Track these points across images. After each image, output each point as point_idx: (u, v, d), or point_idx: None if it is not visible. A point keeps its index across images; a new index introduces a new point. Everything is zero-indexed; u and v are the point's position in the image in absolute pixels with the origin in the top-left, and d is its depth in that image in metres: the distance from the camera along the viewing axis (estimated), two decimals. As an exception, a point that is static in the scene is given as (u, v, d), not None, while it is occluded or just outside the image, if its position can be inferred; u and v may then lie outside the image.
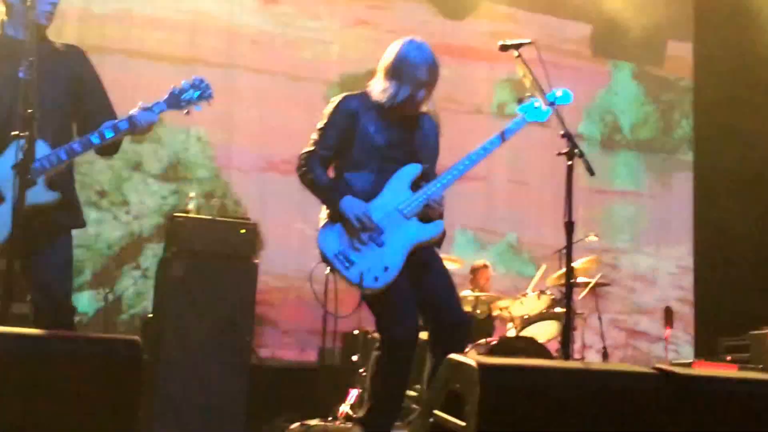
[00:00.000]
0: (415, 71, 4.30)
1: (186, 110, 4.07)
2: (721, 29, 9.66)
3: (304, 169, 4.34)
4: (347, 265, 4.18)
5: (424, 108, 4.46)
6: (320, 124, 4.39)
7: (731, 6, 9.54)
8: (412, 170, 4.32)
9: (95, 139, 3.85)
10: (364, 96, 4.41)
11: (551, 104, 4.30)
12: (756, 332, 8.14)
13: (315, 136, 4.37)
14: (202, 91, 4.08)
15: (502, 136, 4.42)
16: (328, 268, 4.25)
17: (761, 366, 7.69)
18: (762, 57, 9.31)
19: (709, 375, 3.48)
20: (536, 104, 4.46)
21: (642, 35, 9.84)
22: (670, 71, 10.02)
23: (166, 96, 4.02)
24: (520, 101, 4.34)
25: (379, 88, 4.36)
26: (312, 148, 4.35)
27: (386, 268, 4.16)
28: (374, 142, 4.32)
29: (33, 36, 3.68)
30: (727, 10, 9.60)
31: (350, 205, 4.18)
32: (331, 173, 4.43)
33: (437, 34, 8.43)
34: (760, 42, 9.30)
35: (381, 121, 4.35)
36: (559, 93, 4.49)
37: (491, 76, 8.98)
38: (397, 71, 4.32)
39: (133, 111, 3.92)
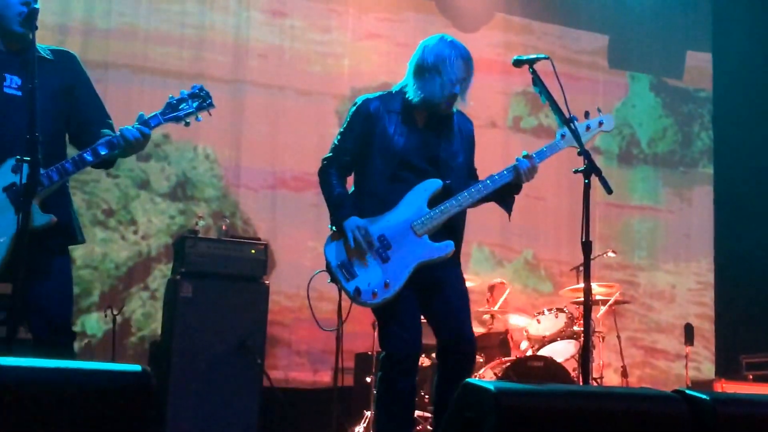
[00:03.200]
0: (449, 67, 4.26)
1: (186, 122, 3.93)
2: (741, 38, 9.64)
3: (321, 178, 4.38)
4: (348, 277, 4.20)
5: (459, 107, 4.45)
6: (341, 129, 4.41)
7: (751, 14, 9.54)
8: (431, 186, 4.29)
9: (89, 157, 3.77)
10: (388, 97, 4.40)
11: (568, 125, 4.26)
12: (778, 350, 8.14)
13: (335, 141, 4.40)
14: (201, 100, 3.94)
15: (531, 161, 4.35)
16: (330, 278, 4.27)
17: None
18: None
19: (732, 398, 3.47)
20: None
21: (660, 45, 9.85)
22: (689, 82, 9.98)
23: (163, 107, 3.89)
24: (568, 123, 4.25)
25: (409, 87, 4.34)
26: (331, 154, 4.38)
27: (387, 284, 4.16)
28: (393, 146, 4.29)
29: (33, 48, 3.64)
30: (747, 19, 9.59)
31: (352, 224, 4.19)
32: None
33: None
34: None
35: (405, 125, 4.32)
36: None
37: (506, 89, 8.99)
38: (429, 68, 4.28)
39: (125, 127, 3.82)
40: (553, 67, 4.27)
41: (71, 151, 3.95)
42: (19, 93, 3.82)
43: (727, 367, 8.96)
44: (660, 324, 9.34)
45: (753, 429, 3.27)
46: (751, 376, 8.23)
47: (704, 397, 3.27)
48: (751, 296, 9.23)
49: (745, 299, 9.30)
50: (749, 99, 9.43)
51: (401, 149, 4.30)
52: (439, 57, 4.29)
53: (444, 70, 4.26)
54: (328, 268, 4.25)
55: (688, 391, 3.37)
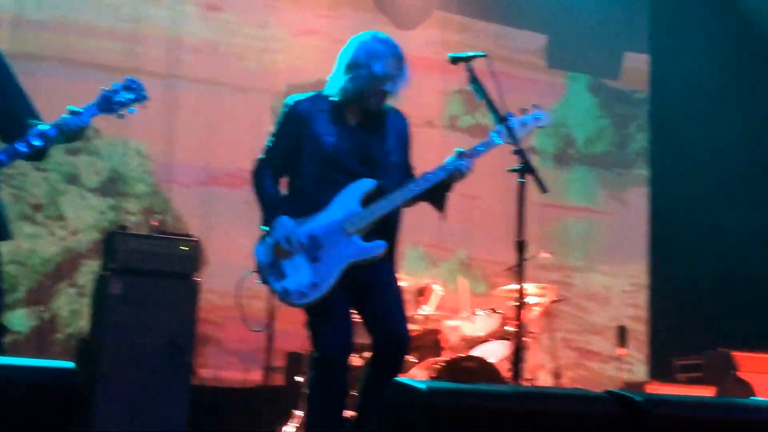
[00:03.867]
0: (379, 62, 4.28)
1: (120, 113, 3.91)
2: (679, 40, 9.77)
3: (254, 179, 4.38)
4: (277, 277, 4.20)
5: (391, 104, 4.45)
6: (273, 131, 4.41)
7: (689, 16, 9.66)
8: (364, 185, 4.30)
9: (22, 148, 3.73)
10: (317, 97, 4.40)
11: (504, 122, 4.29)
12: (710, 352, 8.26)
13: (267, 142, 4.40)
14: (135, 93, 3.93)
15: (470, 154, 4.38)
16: (259, 279, 4.26)
17: (715, 386, 7.80)
18: (721, 68, 9.45)
19: (662, 398, 3.53)
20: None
21: (598, 46, 9.93)
22: (626, 84, 10.09)
23: (97, 99, 3.88)
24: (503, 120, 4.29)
25: (338, 85, 4.35)
26: (263, 156, 4.39)
27: (315, 285, 4.17)
28: (323, 146, 4.29)
29: None
30: (684, 21, 9.72)
31: (280, 225, 4.19)
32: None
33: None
34: (718, 53, 9.45)
35: (335, 124, 4.33)
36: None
37: (443, 87, 9.02)
38: (360, 64, 4.30)
39: (62, 117, 3.80)
40: (490, 65, 4.30)
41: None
42: None
43: (660, 369, 9.08)
44: (594, 325, 9.44)
45: (684, 430, 3.32)
46: (683, 378, 8.37)
47: (636, 398, 3.31)
48: (684, 299, 9.36)
49: (679, 301, 9.43)
50: (686, 101, 9.56)
51: (331, 149, 4.30)
52: (371, 53, 4.30)
53: (375, 67, 4.28)
54: (258, 269, 4.26)
55: (620, 392, 3.41)
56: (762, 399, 6.13)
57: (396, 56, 4.33)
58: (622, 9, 10.01)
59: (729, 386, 7.73)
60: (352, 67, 4.31)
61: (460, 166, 4.31)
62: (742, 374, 7.85)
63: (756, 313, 8.77)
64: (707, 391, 7.69)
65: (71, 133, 3.81)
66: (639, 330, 9.56)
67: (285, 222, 4.20)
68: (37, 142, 3.76)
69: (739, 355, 8.00)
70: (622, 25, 10.07)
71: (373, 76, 4.28)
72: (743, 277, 9.10)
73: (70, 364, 2.67)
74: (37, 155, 3.90)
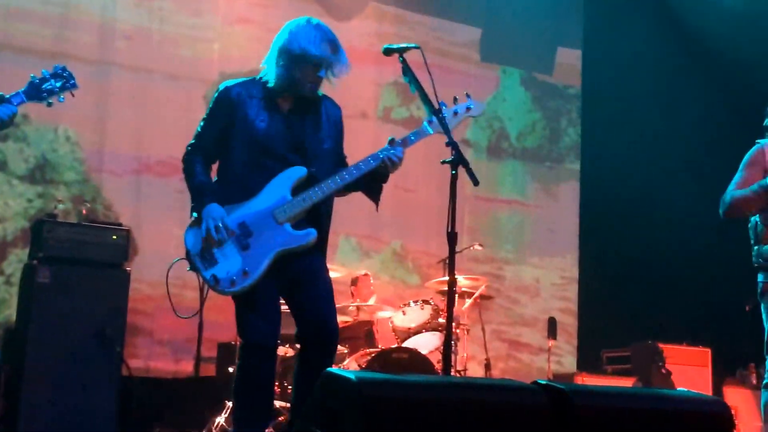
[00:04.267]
0: (313, 48, 4.26)
1: (49, 101, 3.90)
2: (611, 37, 9.88)
3: (184, 165, 4.36)
4: (207, 265, 4.19)
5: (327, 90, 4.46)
6: (204, 116, 4.39)
7: (621, 13, 9.78)
8: (295, 173, 4.28)
9: None
10: (250, 83, 4.38)
11: (437, 114, 4.31)
12: (638, 344, 8.40)
13: (198, 128, 4.38)
14: (65, 81, 3.92)
15: (395, 150, 4.40)
16: (189, 266, 4.25)
17: (641, 377, 7.95)
18: (652, 66, 9.59)
19: (589, 389, 3.58)
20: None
21: (531, 41, 10.02)
22: (559, 79, 10.21)
23: (25, 86, 3.86)
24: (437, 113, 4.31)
25: (272, 70, 4.34)
26: (194, 141, 4.36)
27: (245, 273, 4.16)
28: (255, 132, 4.27)
29: None
30: (616, 17, 9.84)
31: (209, 212, 4.18)
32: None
33: (323, 35, 8.43)
34: (649, 50, 9.58)
35: (267, 111, 4.30)
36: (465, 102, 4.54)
37: (377, 79, 9.04)
38: (294, 49, 4.27)
39: None
40: (424, 57, 4.32)
41: None
42: None
43: (588, 360, 9.21)
44: (524, 317, 9.54)
45: (607, 418, 3.38)
46: (610, 370, 8.50)
47: (562, 388, 3.37)
48: (613, 292, 9.49)
49: (608, 295, 9.56)
50: (617, 97, 9.69)
51: (263, 135, 4.29)
52: (305, 38, 4.30)
53: (309, 52, 4.28)
54: (188, 256, 4.23)
55: (547, 383, 3.46)
56: (683, 389, 6.26)
57: (330, 41, 4.34)
58: (556, 5, 10.12)
59: (654, 377, 7.88)
60: (286, 52, 4.31)
61: (391, 154, 4.33)
62: (667, 365, 8.01)
63: (681, 306, 8.92)
64: (633, 383, 7.85)
65: (9, 120, 3.78)
66: (568, 322, 9.68)
67: (214, 209, 4.19)
68: None
69: (664, 347, 8.16)
70: (556, 21, 10.18)
71: (308, 62, 4.29)
72: (670, 272, 9.26)
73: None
74: None
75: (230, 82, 4.42)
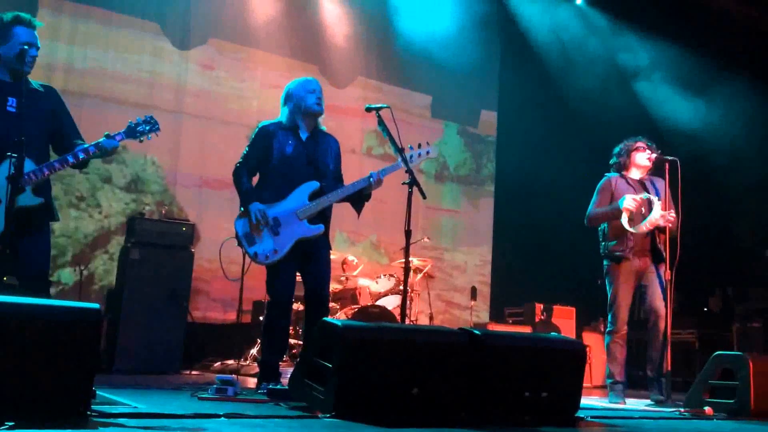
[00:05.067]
0: (305, 87, 4.40)
1: (140, 139, 3.91)
2: (517, 101, 9.93)
3: (234, 176, 4.39)
4: (250, 244, 4.21)
5: (321, 124, 4.50)
6: (249, 144, 4.43)
7: (524, 86, 9.84)
8: (312, 186, 4.34)
9: (71, 158, 3.69)
10: (279, 123, 4.45)
11: (401, 152, 4.33)
12: (528, 304, 8.46)
13: (244, 152, 4.40)
14: (152, 125, 3.91)
15: (378, 175, 4.43)
16: (237, 243, 4.27)
17: (531, 325, 8.00)
18: (544, 121, 9.64)
19: (493, 333, 3.63)
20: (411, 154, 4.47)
21: (464, 104, 10.05)
22: (481, 130, 10.22)
23: (125, 128, 3.86)
24: (401, 151, 4.33)
25: (284, 112, 4.42)
26: (241, 160, 4.41)
27: (276, 251, 4.20)
28: (284, 153, 4.32)
29: (25, 79, 3.58)
30: (521, 88, 9.89)
31: (255, 208, 4.21)
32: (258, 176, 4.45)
33: (327, 98, 8.34)
34: (544, 112, 9.64)
35: (290, 138, 4.36)
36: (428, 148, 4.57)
37: (362, 127, 9.03)
38: (290, 94, 4.42)
39: (100, 139, 3.76)
40: (392, 113, 4.34)
41: (52, 156, 3.85)
42: (14, 110, 3.69)
43: (496, 315, 9.25)
44: (456, 286, 9.56)
45: (505, 351, 3.42)
46: (510, 321, 8.54)
47: (477, 332, 3.40)
48: (513, 271, 9.54)
49: (510, 272, 9.61)
50: (520, 142, 9.73)
51: (290, 157, 4.33)
52: (292, 86, 4.46)
53: (305, 88, 4.37)
54: (237, 237, 4.27)
55: (467, 329, 3.50)
56: (555, 333, 6.31)
57: (307, 80, 4.48)
58: (480, 82, 10.15)
59: (541, 328, 7.93)
60: (289, 95, 4.39)
61: (374, 179, 4.40)
62: (553, 320, 8.05)
63: (558, 279, 8.98)
64: (525, 329, 7.90)
65: (105, 152, 3.78)
66: (484, 290, 9.71)
67: (258, 205, 4.22)
68: (81, 156, 3.73)
69: (548, 306, 8.21)
70: (480, 91, 10.21)
71: (306, 95, 4.38)
72: (552, 257, 9.32)
73: (96, 305, 2.67)
74: (80, 165, 3.85)
75: (266, 122, 4.47)
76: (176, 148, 7.88)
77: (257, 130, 4.44)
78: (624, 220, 5.14)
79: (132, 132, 3.87)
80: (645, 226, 5.13)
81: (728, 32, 9.57)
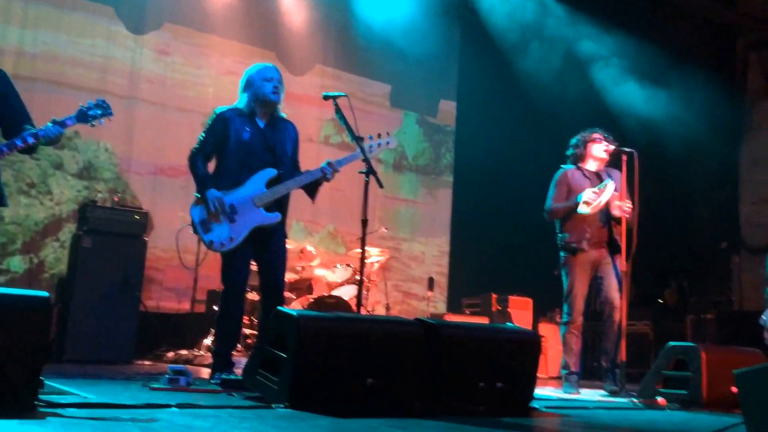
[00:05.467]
0: (262, 75, 4.34)
1: (92, 124, 3.82)
2: (476, 92, 9.98)
3: (190, 162, 4.33)
4: (205, 231, 4.17)
5: (281, 110, 4.46)
6: (204, 130, 4.38)
7: (482, 77, 9.89)
8: (269, 173, 4.30)
9: (19, 142, 3.61)
10: (235, 108, 4.40)
11: (358, 141, 4.32)
12: (485, 295, 8.53)
13: (200, 138, 4.35)
14: (104, 110, 3.81)
15: (335, 165, 4.41)
16: (192, 230, 4.23)
17: (488, 316, 8.07)
18: (502, 112, 9.70)
19: (447, 323, 3.66)
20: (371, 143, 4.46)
21: (423, 94, 10.06)
22: (440, 120, 10.24)
23: (76, 112, 3.77)
24: (358, 141, 4.32)
25: (243, 99, 4.37)
26: (197, 146, 4.35)
27: (232, 239, 4.17)
28: (241, 140, 4.28)
29: None
30: (479, 79, 9.94)
31: (212, 195, 4.17)
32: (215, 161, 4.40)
33: (284, 84, 8.36)
34: (501, 102, 9.71)
35: (247, 125, 4.32)
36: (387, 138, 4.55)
37: (320, 116, 8.97)
38: (248, 81, 4.37)
39: (48, 124, 3.67)
40: (349, 102, 4.33)
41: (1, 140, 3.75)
42: None
43: (454, 305, 9.31)
44: (413, 277, 9.58)
45: (460, 341, 3.44)
46: (467, 311, 8.60)
47: (432, 322, 3.43)
48: (471, 262, 9.60)
49: (467, 263, 9.67)
50: (478, 133, 9.78)
51: (247, 143, 4.29)
52: (251, 73, 4.40)
53: (263, 76, 4.33)
54: (192, 224, 4.22)
55: (423, 319, 3.52)
56: (510, 324, 6.40)
57: (266, 67, 4.43)
58: (439, 71, 10.17)
59: (498, 319, 8.01)
60: (249, 83, 4.35)
61: (326, 170, 4.38)
62: (510, 311, 8.13)
63: (516, 271, 9.06)
64: (482, 320, 7.96)
65: (53, 137, 3.70)
66: (442, 280, 9.75)
67: (215, 192, 4.18)
68: (30, 140, 3.65)
69: (504, 297, 8.29)
70: (439, 81, 10.22)
71: (263, 82, 4.34)
72: (510, 249, 9.40)
73: (45, 294, 2.63)
74: (29, 150, 3.76)
75: (223, 108, 4.42)
76: (130, 134, 7.74)
77: (214, 116, 4.39)
78: (582, 209, 5.20)
79: (83, 116, 3.78)
80: (596, 207, 5.20)
81: (685, 24, 9.76)
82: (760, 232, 9.18)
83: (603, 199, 5.21)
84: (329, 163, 4.38)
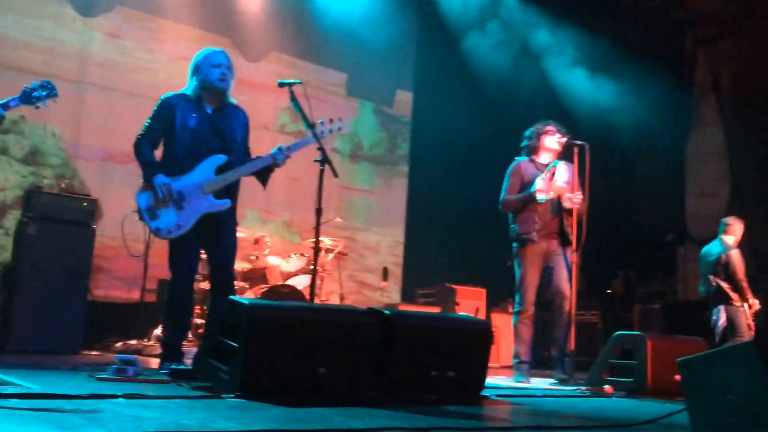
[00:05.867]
0: (209, 61, 4.25)
1: (36, 105, 3.72)
2: (433, 83, 10.01)
3: (136, 148, 4.23)
4: (151, 218, 4.09)
5: (231, 96, 4.38)
6: (151, 115, 4.27)
7: (439, 68, 9.92)
8: (218, 159, 4.22)
9: None
10: (182, 94, 4.31)
11: (312, 128, 4.28)
12: (439, 285, 8.58)
13: (146, 123, 4.25)
14: (49, 91, 3.73)
15: (287, 151, 4.36)
16: (138, 217, 4.14)
17: (441, 307, 8.11)
18: (457, 104, 9.75)
19: (400, 312, 3.66)
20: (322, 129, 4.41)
21: (380, 84, 10.06)
22: (397, 111, 10.27)
23: (20, 93, 3.67)
24: (312, 127, 4.27)
25: (191, 84, 4.28)
26: (143, 131, 4.25)
27: (179, 226, 4.09)
28: (187, 126, 4.20)
29: None
30: (437, 70, 9.97)
31: (159, 181, 4.08)
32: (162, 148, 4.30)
33: (239, 72, 8.17)
34: (457, 94, 9.75)
35: (194, 111, 4.24)
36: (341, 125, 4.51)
37: (276, 104, 8.90)
38: (196, 66, 4.28)
39: None
40: (305, 89, 4.28)
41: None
42: None
43: (408, 295, 9.35)
44: (368, 267, 9.60)
45: (414, 330, 3.45)
46: (421, 302, 8.64)
47: (385, 312, 3.43)
48: (425, 253, 9.65)
49: (422, 254, 9.71)
50: (434, 124, 9.81)
51: (194, 129, 4.21)
52: (200, 58, 4.31)
53: (210, 62, 4.24)
54: (138, 211, 4.12)
55: (377, 308, 3.51)
56: (464, 314, 6.44)
57: (216, 52, 4.33)
58: (396, 61, 10.17)
59: (449, 307, 8.06)
60: (197, 68, 4.27)
61: (278, 155, 4.32)
62: (457, 299, 8.18)
63: (469, 261, 9.15)
64: (436, 310, 8.00)
65: None
66: (396, 271, 9.79)
67: (163, 178, 4.09)
68: None
69: (456, 287, 8.35)
70: (396, 72, 10.23)
71: (211, 68, 4.25)
72: (464, 239, 9.48)
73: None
74: None
75: (169, 93, 4.33)
76: (78, 119, 7.57)
77: (160, 101, 4.30)
78: (540, 196, 5.27)
79: (27, 97, 3.68)
80: (555, 190, 5.28)
81: (637, 18, 9.92)
82: (705, 224, 9.40)
83: (559, 179, 5.29)
84: (280, 149, 4.34)
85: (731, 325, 6.48)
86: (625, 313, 9.14)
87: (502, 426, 2.84)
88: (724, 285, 6.56)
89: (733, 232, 6.73)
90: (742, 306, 6.51)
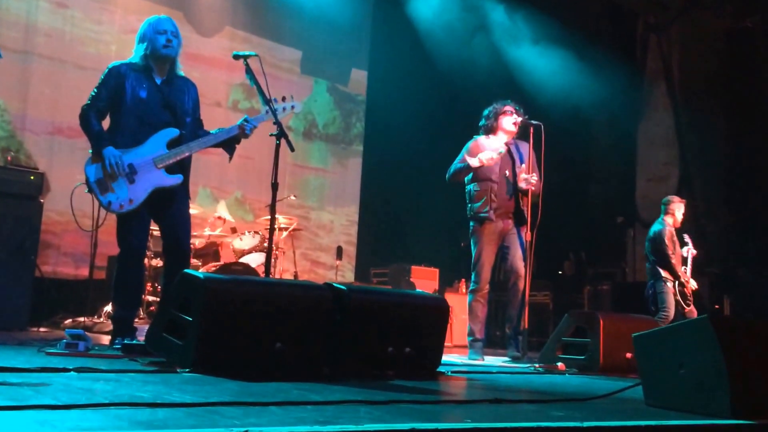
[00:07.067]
0: (155, 27, 4.16)
1: None
2: (387, 62, 9.98)
3: (82, 119, 4.10)
4: (102, 191, 3.98)
5: (180, 69, 4.28)
6: (97, 85, 4.14)
7: (394, 47, 9.89)
8: (171, 133, 4.14)
9: None
10: (131, 63, 4.20)
11: (268, 103, 4.22)
12: (394, 265, 8.61)
13: (92, 93, 4.12)
14: None
15: (253, 122, 4.29)
16: (87, 190, 4.03)
17: (395, 285, 8.14)
18: (413, 83, 9.74)
19: (357, 288, 3.64)
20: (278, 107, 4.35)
21: (334, 62, 9.98)
22: (352, 89, 10.21)
23: None
24: (269, 102, 4.20)
25: (138, 53, 4.17)
26: (89, 102, 4.12)
27: (131, 200, 4.00)
28: (138, 96, 4.09)
29: None
30: (391, 50, 9.94)
31: (110, 152, 3.97)
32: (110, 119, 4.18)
33: (192, 46, 8.11)
34: (412, 73, 9.73)
35: (144, 81, 4.13)
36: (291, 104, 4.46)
37: (229, 80, 8.77)
38: (147, 31, 4.18)
39: None
40: (261, 63, 4.21)
41: None
42: None
43: (362, 275, 9.36)
44: (322, 246, 9.56)
45: (370, 305, 3.44)
46: (375, 282, 8.67)
47: (342, 287, 3.40)
48: (379, 232, 9.68)
49: (376, 233, 9.74)
50: (389, 103, 9.78)
51: (145, 100, 4.11)
52: (147, 25, 4.22)
53: (150, 31, 4.15)
54: (87, 183, 4.01)
55: (333, 284, 3.49)
56: (419, 290, 6.47)
57: (161, 19, 4.25)
58: (351, 39, 10.10)
59: (402, 287, 8.08)
60: (144, 36, 4.17)
61: (247, 126, 4.26)
62: (412, 279, 8.22)
63: (424, 240, 9.19)
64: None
65: None
66: (350, 250, 9.78)
67: (114, 151, 3.98)
68: None
69: (411, 268, 8.38)
70: (351, 50, 10.16)
71: (157, 35, 4.16)
72: (419, 218, 9.52)
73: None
74: None
75: (117, 62, 4.21)
76: (25, 91, 7.32)
77: (107, 70, 4.17)
78: (472, 162, 5.33)
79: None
80: (488, 161, 5.33)
81: (592, 3, 10.02)
82: (654, 207, 9.60)
83: (485, 155, 5.34)
84: (246, 119, 4.28)
85: (656, 300, 6.66)
86: (575, 294, 9.30)
87: (460, 399, 2.85)
88: (654, 260, 6.75)
89: (672, 211, 6.88)
90: (673, 282, 6.67)
